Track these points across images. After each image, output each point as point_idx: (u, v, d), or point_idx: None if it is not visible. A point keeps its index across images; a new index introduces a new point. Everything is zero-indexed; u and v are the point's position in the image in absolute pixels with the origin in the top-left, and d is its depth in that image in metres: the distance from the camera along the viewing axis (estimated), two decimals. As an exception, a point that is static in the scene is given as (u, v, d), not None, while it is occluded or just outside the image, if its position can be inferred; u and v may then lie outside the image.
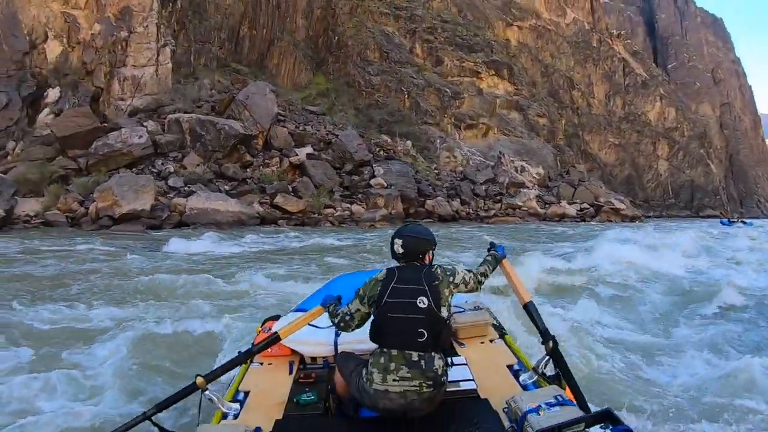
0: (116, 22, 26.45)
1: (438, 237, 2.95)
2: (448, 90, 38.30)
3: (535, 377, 2.78)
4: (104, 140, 21.67)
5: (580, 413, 2.17)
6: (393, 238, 2.72)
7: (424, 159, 34.82)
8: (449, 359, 2.76)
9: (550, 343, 2.65)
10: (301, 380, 3.08)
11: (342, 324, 2.75)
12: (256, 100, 26.53)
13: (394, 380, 2.44)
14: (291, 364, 3.27)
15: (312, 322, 3.11)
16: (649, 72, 52.27)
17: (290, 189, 23.29)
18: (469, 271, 2.83)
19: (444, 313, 2.56)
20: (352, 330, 2.77)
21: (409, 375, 2.44)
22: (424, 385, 2.43)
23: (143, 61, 27.16)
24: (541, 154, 38.91)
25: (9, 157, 21.59)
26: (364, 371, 2.55)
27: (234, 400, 2.91)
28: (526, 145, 39.21)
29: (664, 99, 50.78)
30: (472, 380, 2.84)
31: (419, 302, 2.50)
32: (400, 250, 2.68)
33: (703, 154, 50.19)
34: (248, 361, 3.28)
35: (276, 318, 4.08)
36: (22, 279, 8.23)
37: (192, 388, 2.70)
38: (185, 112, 25.20)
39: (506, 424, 2.38)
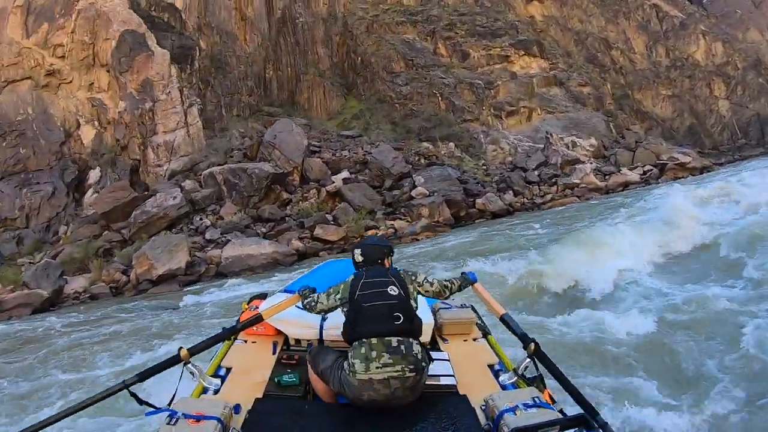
0: (139, 96, 27.02)
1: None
2: (480, 81, 36.51)
3: (515, 378, 2.82)
4: (142, 208, 21.84)
5: (556, 416, 2.21)
6: (353, 250, 2.97)
7: (471, 157, 33.09)
8: (430, 353, 2.84)
9: (532, 346, 2.68)
10: (283, 361, 3.12)
11: (308, 306, 2.95)
12: (284, 137, 26.18)
13: (377, 367, 2.48)
14: (275, 345, 3.29)
15: (298, 304, 3.11)
16: (684, 11, 47.72)
17: (330, 218, 22.45)
18: (436, 278, 3.03)
19: (413, 304, 2.71)
20: (316, 312, 2.94)
21: (390, 361, 2.50)
22: (406, 369, 2.50)
23: (172, 125, 27.54)
24: (591, 125, 35.99)
25: (60, 242, 22.27)
26: (345, 364, 2.59)
27: (215, 375, 2.94)
28: (574, 118, 36.43)
29: (707, 35, 46.02)
30: (453, 376, 2.88)
31: (390, 290, 2.67)
32: (360, 258, 2.92)
33: (763, 82, 44.73)
34: (232, 338, 3.36)
35: (263, 296, 4.15)
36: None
37: (174, 360, 2.72)
38: (218, 165, 25.26)
39: (483, 421, 2.41)
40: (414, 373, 2.51)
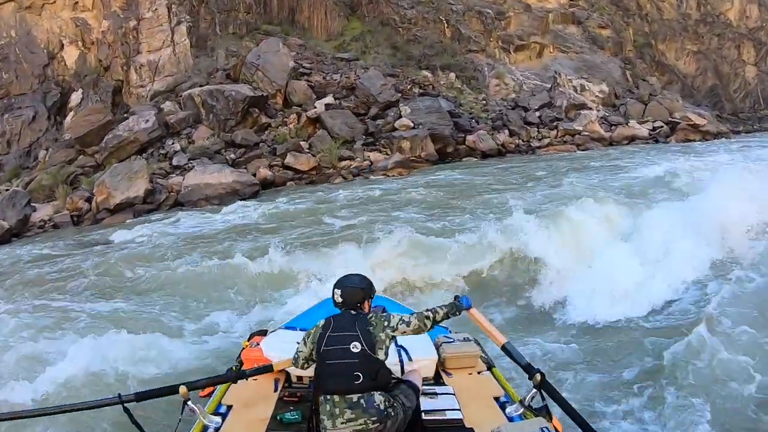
0: (123, 14, 26.07)
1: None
2: (490, 11, 33.76)
3: (522, 410, 2.88)
4: (114, 132, 21.39)
5: None
6: (333, 288, 2.97)
7: (471, 90, 31.18)
8: (434, 388, 3.14)
9: (538, 376, 2.67)
10: (285, 398, 3.14)
11: (294, 362, 3.07)
12: (269, 58, 24.85)
13: (342, 423, 2.65)
14: (276, 382, 3.31)
15: (299, 341, 3.07)
16: (723, -36, 42.36)
17: (306, 146, 21.51)
18: (412, 313, 2.96)
19: (381, 355, 2.78)
20: (300, 366, 3.03)
21: (353, 416, 2.64)
22: (369, 422, 2.65)
23: (157, 44, 26.58)
24: (606, 70, 33.16)
25: (38, 167, 22.21)
26: (321, 415, 2.73)
27: (216, 413, 2.96)
28: (588, 61, 33.62)
29: (744, -6, 41.14)
30: (458, 410, 2.91)
31: (352, 347, 2.72)
32: (339, 300, 2.94)
33: (796, 54, 40.10)
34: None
35: (263, 333, 4.15)
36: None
37: (173, 391, 2.78)
38: (200, 86, 24.31)
39: None
40: (377, 424, 2.64)
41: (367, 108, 24.20)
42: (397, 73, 29.59)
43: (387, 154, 21.32)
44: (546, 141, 25.77)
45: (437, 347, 3.62)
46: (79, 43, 25.85)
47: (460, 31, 33.50)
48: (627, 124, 28.43)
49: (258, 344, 3.68)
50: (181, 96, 23.87)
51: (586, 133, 26.58)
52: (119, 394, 2.63)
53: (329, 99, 24.27)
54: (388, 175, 18.89)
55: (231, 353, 4.93)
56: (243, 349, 3.83)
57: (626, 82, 33.61)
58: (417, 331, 2.90)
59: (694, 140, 27.68)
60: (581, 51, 34.24)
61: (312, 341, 2.86)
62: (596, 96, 30.60)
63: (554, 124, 27.08)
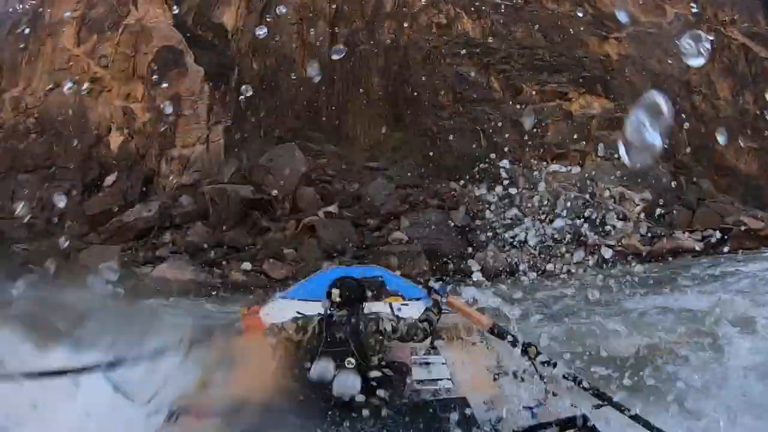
0: (165, 109, 28.51)
1: None
2: (527, 120, 33.67)
3: (515, 380, 2.92)
4: (119, 216, 22.84)
5: (554, 417, 2.28)
6: (331, 288, 2.95)
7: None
8: (427, 358, 3.23)
9: (532, 349, 2.83)
10: None
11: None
12: (282, 161, 26.03)
13: None
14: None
15: (299, 310, 3.07)
16: (777, 53, 40.15)
17: (292, 254, 21.70)
18: (403, 320, 2.96)
19: (374, 361, 2.80)
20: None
21: None
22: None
23: (192, 140, 28.64)
24: (652, 175, 31.36)
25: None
26: None
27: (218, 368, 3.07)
28: (632, 169, 32.14)
29: (803, 81, 38.32)
30: (450, 379, 3.06)
31: (347, 364, 2.73)
32: (338, 299, 2.95)
33: None
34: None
35: (262, 302, 4.39)
36: None
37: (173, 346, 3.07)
38: (218, 183, 25.69)
39: (482, 423, 2.52)
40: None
41: (366, 219, 24.26)
42: (420, 184, 29.76)
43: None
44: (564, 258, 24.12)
45: None
46: (125, 130, 28.38)
47: (496, 141, 33.46)
48: (671, 235, 25.65)
49: (257, 313, 3.81)
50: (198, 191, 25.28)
51: (620, 248, 23.28)
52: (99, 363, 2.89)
53: (333, 207, 24.64)
54: None
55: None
56: (242, 316, 3.95)
57: (676, 189, 31.16)
58: (414, 340, 2.88)
59: (754, 248, 24.09)
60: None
61: (307, 341, 2.87)
62: (637, 205, 28.32)
63: (583, 239, 25.53)
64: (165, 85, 28.69)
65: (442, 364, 3.21)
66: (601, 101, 35.09)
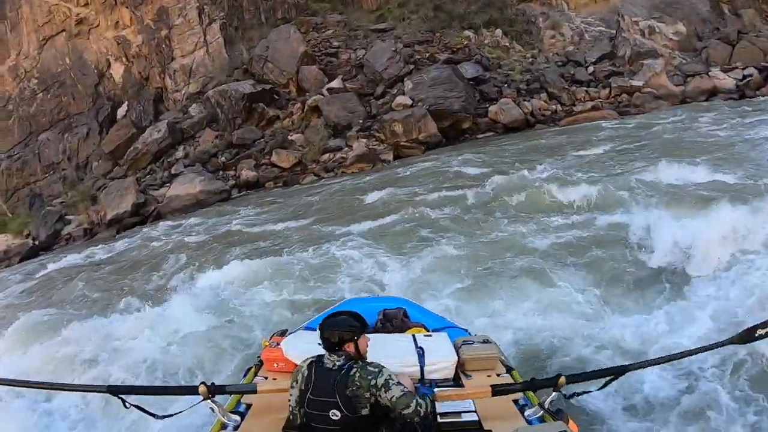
0: (155, 25, 27.47)
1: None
2: None
3: (541, 412, 2.86)
4: (134, 145, 22.99)
5: None
6: (318, 329, 2.85)
7: (523, 47, 27.49)
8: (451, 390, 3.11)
9: (563, 379, 2.76)
10: None
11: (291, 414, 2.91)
12: (279, 46, 24.55)
13: None
14: None
15: (320, 341, 3.06)
16: None
17: (302, 138, 20.92)
18: (402, 387, 2.67)
19: (364, 412, 2.60)
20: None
21: None
22: None
23: (190, 48, 27.61)
24: (689, 4, 26.62)
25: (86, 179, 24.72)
26: None
27: (235, 411, 3.02)
28: None
29: None
30: (475, 412, 2.93)
31: (331, 415, 2.58)
32: (321, 342, 2.78)
33: None
34: (253, 374, 3.53)
35: (284, 333, 4.17)
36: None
37: (192, 391, 2.85)
38: (222, 84, 24.83)
39: None
40: None
41: (373, 87, 22.69)
42: (430, 38, 27.25)
43: (381, 140, 19.84)
44: (589, 105, 21.34)
45: (457, 349, 3.63)
46: (123, 59, 27.93)
47: (511, -24, 29.62)
48: (707, 73, 22.28)
49: (278, 344, 3.72)
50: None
51: (649, 90, 21.50)
52: (109, 386, 2.84)
53: (336, 82, 23.17)
54: (346, 172, 17.45)
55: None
56: (263, 348, 3.88)
57: (716, 19, 26.79)
58: (395, 406, 2.64)
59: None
60: None
61: (296, 390, 2.76)
62: (670, 39, 24.89)
63: (607, 79, 22.51)
64: (147, 2, 27.48)
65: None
66: None
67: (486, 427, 2.81)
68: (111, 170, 23.77)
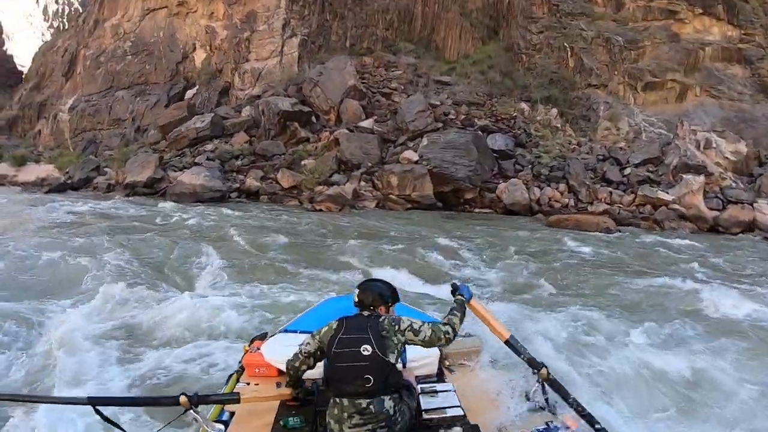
0: (241, 25, 31.11)
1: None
2: (619, 38, 29.58)
3: (526, 404, 2.97)
4: (179, 127, 26.37)
5: None
6: (356, 288, 3.08)
7: (575, 132, 28.06)
8: (435, 386, 3.18)
9: (544, 371, 2.88)
10: (288, 403, 3.17)
11: (292, 359, 3.02)
12: (331, 74, 27.07)
13: (349, 427, 2.71)
14: (278, 386, 3.34)
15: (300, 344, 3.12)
16: None
17: (312, 165, 23.21)
18: (426, 321, 2.96)
19: (391, 358, 2.77)
20: (299, 367, 3.02)
21: (361, 421, 2.70)
22: (377, 428, 2.71)
23: (265, 54, 31.02)
24: (766, 125, 26.08)
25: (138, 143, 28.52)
26: (326, 419, 2.81)
27: (218, 420, 3.04)
28: (745, 111, 26.73)
29: None
30: (459, 406, 2.99)
31: (363, 350, 2.74)
32: (356, 299, 3.02)
33: None
34: (234, 382, 3.56)
35: (263, 337, 4.28)
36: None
37: (172, 402, 2.82)
38: (275, 95, 27.86)
39: None
40: (385, 429, 2.73)
41: (398, 135, 24.55)
42: (482, 101, 28.74)
43: (378, 187, 21.68)
44: (600, 207, 21.26)
45: None
46: (207, 48, 31.77)
47: (583, 61, 30.48)
48: (752, 204, 21.14)
49: (258, 349, 3.78)
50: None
51: (676, 207, 20.95)
52: (89, 397, 2.72)
53: (368, 122, 25.34)
54: (316, 209, 19.39)
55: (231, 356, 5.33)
56: (244, 354, 3.92)
57: None
58: (429, 344, 2.89)
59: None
60: (739, 99, 27.53)
61: (321, 340, 2.90)
62: (725, 158, 24.01)
63: (635, 185, 22.23)
64: (240, 2, 31.25)
65: (451, 391, 3.13)
66: (722, 26, 29.38)
67: (471, 421, 2.83)
68: (158, 142, 27.33)
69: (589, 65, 30.09)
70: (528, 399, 2.91)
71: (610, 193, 22.11)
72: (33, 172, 25.63)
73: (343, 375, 2.73)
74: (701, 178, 21.86)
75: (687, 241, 16.56)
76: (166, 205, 18.33)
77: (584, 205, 21.71)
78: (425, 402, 3.00)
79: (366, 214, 18.86)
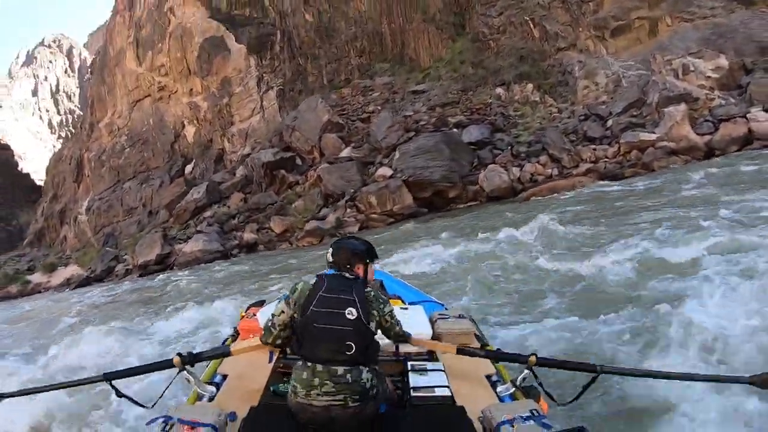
0: (218, 93, 33.89)
1: None
2: None
3: (512, 390, 2.98)
4: (180, 202, 29.02)
5: (552, 429, 2.37)
6: (329, 247, 2.93)
7: (556, 99, 28.79)
8: (426, 364, 3.20)
9: (533, 358, 2.90)
10: (279, 369, 3.24)
11: (263, 334, 2.83)
12: (306, 116, 29.11)
13: (318, 395, 2.48)
14: (271, 353, 3.37)
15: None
16: None
17: (302, 205, 25.11)
18: (398, 323, 2.87)
19: (373, 328, 2.64)
20: (273, 344, 2.84)
21: (333, 390, 2.48)
22: (349, 399, 2.48)
23: (247, 113, 33.62)
24: (745, 33, 25.49)
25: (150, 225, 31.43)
26: (291, 383, 2.60)
27: (211, 382, 3.11)
28: (724, 25, 25.71)
29: None
30: (448, 387, 3.00)
31: (348, 313, 2.54)
32: (330, 259, 2.87)
33: None
34: (230, 343, 3.59)
35: (261, 304, 4.37)
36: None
37: (167, 365, 2.95)
38: (264, 148, 30.24)
39: None
40: (358, 403, 2.50)
41: (375, 156, 25.96)
42: (457, 99, 29.93)
43: (361, 210, 23.20)
44: (584, 167, 21.50)
45: (432, 323, 3.77)
46: (195, 122, 34.70)
47: (546, 28, 31.16)
48: (746, 116, 20.20)
49: (255, 315, 3.83)
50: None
51: (665, 144, 20.54)
52: (104, 373, 2.90)
53: (347, 150, 27.06)
54: (300, 246, 21.07)
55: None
56: (240, 319, 3.97)
57: None
58: (386, 332, 2.84)
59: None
60: (713, 14, 27.03)
61: (298, 302, 2.64)
62: (707, 78, 23.55)
63: (616, 134, 22.23)
64: (212, 72, 34.10)
65: (440, 371, 3.18)
66: None
67: (459, 402, 2.88)
68: (167, 220, 30.08)
69: (553, 30, 30.78)
70: (515, 385, 2.95)
71: (594, 150, 22.22)
72: (62, 275, 28.85)
73: (321, 337, 2.53)
74: (682, 107, 21.43)
75: (658, 181, 16.44)
76: (170, 277, 20.40)
77: (569, 170, 21.87)
78: (414, 380, 3.04)
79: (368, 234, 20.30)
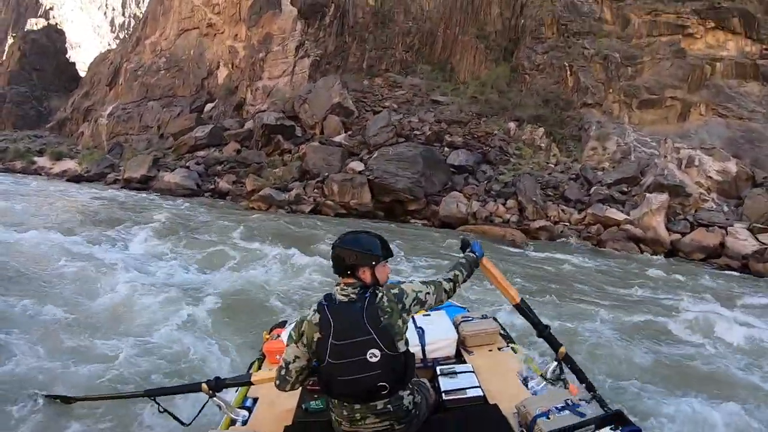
0: (258, 47, 36.79)
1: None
2: (617, 54, 31.06)
3: (544, 383, 3.16)
4: (184, 136, 32.21)
5: (588, 416, 2.47)
6: (332, 247, 2.66)
7: (562, 152, 30.04)
8: (455, 367, 3.36)
9: (562, 349, 3.13)
10: (309, 387, 3.19)
11: (278, 382, 2.73)
12: (320, 93, 31.65)
13: (364, 427, 2.55)
14: None
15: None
16: None
17: (279, 173, 27.78)
18: (426, 283, 2.72)
19: (401, 346, 2.52)
20: (294, 388, 2.77)
21: (377, 420, 2.53)
22: (395, 423, 2.56)
23: (277, 73, 36.45)
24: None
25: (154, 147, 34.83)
26: (332, 412, 2.63)
27: (242, 406, 3.28)
28: (753, 130, 26.24)
29: None
30: (479, 387, 3.14)
31: (370, 357, 2.42)
32: (332, 263, 2.63)
33: None
34: (256, 368, 3.83)
35: (283, 325, 4.59)
36: None
37: (195, 389, 3.20)
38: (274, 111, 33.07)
39: (516, 428, 2.65)
40: (403, 425, 2.57)
41: (362, 149, 28.36)
42: (466, 120, 31.79)
43: (324, 194, 25.64)
44: (539, 224, 22.55)
45: (456, 326, 3.90)
46: (230, 66, 37.78)
47: (580, 79, 32.40)
48: (726, 229, 19.85)
49: (279, 336, 4.03)
50: (260, 117, 33.06)
51: (629, 227, 20.95)
52: (146, 390, 3.28)
53: (342, 137, 29.53)
54: (250, 207, 23.74)
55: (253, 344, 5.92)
56: (264, 342, 4.19)
57: None
58: (439, 302, 2.76)
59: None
60: (750, 117, 27.25)
61: (307, 346, 2.57)
62: (709, 177, 23.57)
63: (586, 203, 23.09)
64: (258, 26, 37.00)
65: (470, 372, 3.25)
66: (738, 40, 29.42)
67: (491, 401, 2.96)
68: (171, 147, 33.43)
69: (586, 84, 32.00)
70: (545, 378, 3.07)
71: (562, 211, 23.05)
72: (64, 165, 32.70)
73: (349, 387, 2.48)
74: (664, 197, 21.50)
75: (590, 263, 16.14)
76: (142, 195, 23.73)
77: (528, 222, 22.79)
78: (445, 384, 3.13)
79: (290, 217, 22.12)
